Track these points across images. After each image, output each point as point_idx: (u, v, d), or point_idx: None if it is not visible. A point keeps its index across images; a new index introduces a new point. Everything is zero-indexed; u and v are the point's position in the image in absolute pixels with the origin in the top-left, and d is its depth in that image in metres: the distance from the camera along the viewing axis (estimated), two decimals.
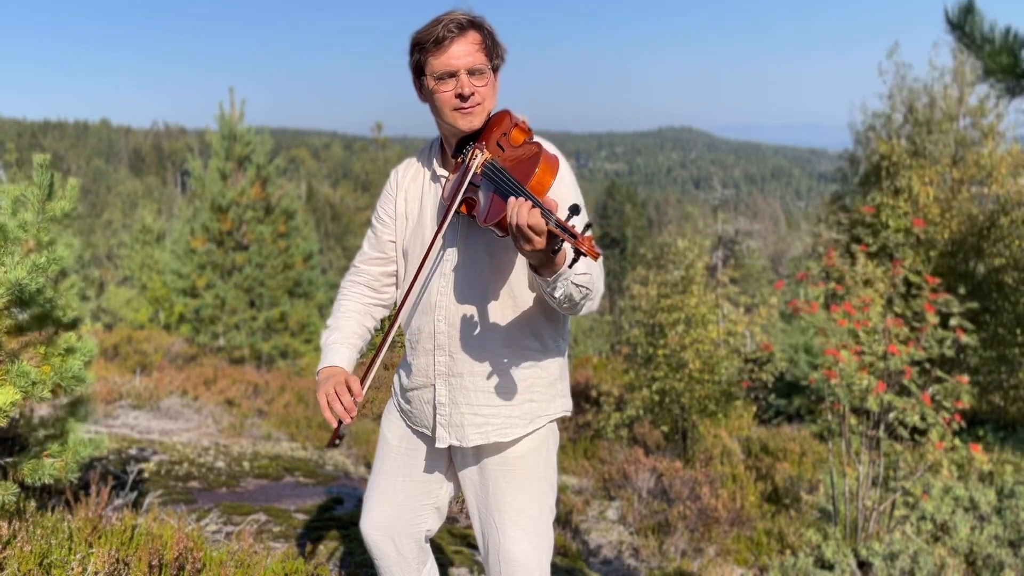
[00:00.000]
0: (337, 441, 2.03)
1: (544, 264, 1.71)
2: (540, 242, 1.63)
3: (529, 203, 1.65)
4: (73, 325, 3.26)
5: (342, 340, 2.14)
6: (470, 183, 1.91)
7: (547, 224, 1.61)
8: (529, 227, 1.61)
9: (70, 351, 3.01)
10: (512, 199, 1.69)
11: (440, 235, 1.95)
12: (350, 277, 2.24)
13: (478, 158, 1.92)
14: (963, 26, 1.08)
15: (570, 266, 1.66)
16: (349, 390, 1.92)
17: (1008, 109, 13.58)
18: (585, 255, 1.57)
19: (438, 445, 2.04)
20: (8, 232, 2.81)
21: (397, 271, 2.17)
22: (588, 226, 1.58)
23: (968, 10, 1.07)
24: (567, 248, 1.66)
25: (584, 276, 1.79)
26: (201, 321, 13.69)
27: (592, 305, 1.88)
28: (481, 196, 1.89)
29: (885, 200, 13.53)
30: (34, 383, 2.74)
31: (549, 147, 1.90)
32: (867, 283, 5.82)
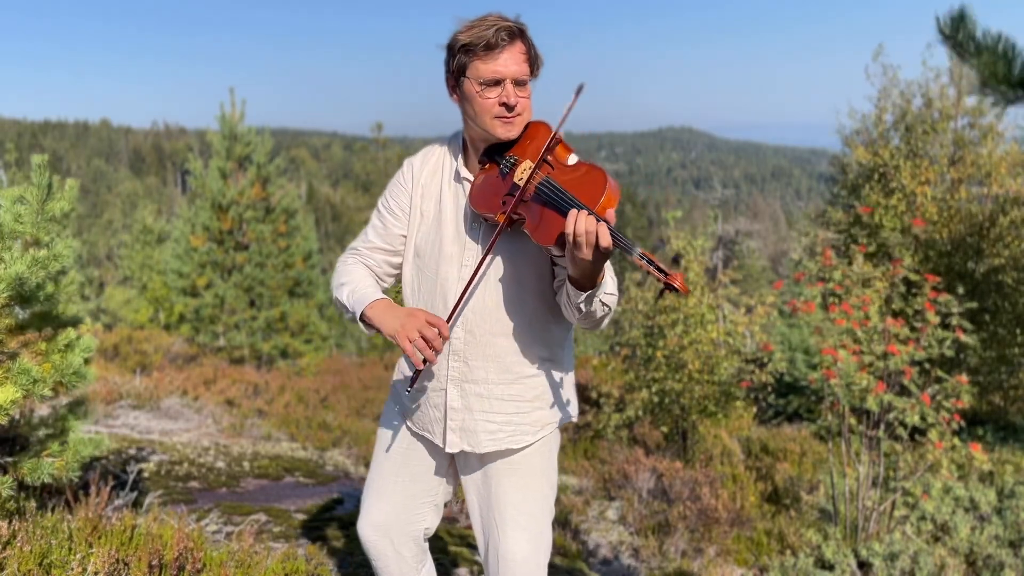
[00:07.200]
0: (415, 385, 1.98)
1: (587, 278, 1.75)
2: (592, 255, 1.68)
3: (591, 216, 1.68)
4: (73, 324, 3.26)
5: (372, 284, 2.04)
6: (520, 199, 1.86)
7: (631, 255, 1.63)
8: (594, 240, 1.66)
9: (69, 347, 3.01)
10: (574, 211, 1.70)
11: (489, 253, 1.92)
12: (350, 256, 2.14)
13: (532, 176, 1.86)
14: (956, 36, 1.08)
15: (658, 297, 1.75)
16: (438, 331, 1.84)
17: (1007, 111, 13.50)
18: (677, 290, 1.60)
19: (448, 450, 2.03)
20: (5, 227, 2.80)
21: (402, 265, 2.11)
22: (676, 260, 1.62)
23: (960, 19, 1.07)
24: (653, 279, 1.70)
25: (611, 296, 1.83)
26: (201, 321, 13.69)
27: (604, 323, 1.93)
28: (529, 212, 1.86)
29: (879, 201, 13.49)
30: (35, 381, 2.74)
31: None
32: (865, 283, 5.81)
